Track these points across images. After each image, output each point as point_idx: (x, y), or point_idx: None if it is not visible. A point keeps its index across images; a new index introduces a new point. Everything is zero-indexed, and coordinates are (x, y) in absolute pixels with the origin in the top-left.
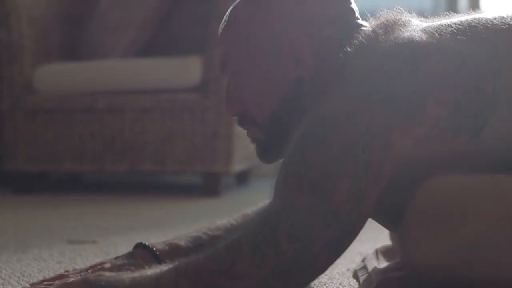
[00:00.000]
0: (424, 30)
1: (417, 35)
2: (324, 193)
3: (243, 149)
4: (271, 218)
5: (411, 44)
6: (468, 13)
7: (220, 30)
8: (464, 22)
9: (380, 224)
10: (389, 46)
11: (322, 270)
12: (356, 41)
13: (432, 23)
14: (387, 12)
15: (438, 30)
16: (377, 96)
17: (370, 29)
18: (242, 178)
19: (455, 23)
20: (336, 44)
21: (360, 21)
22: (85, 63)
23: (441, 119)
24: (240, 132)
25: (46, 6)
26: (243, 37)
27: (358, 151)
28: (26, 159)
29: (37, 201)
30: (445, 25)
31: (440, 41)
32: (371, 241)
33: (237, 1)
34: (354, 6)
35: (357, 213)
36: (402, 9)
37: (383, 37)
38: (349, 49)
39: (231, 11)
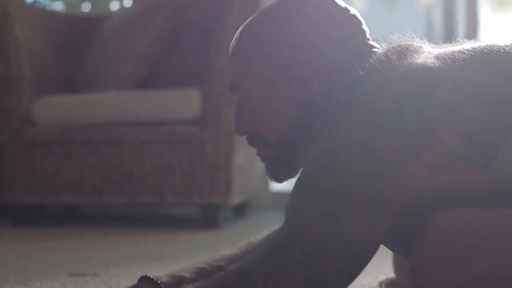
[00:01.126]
0: (437, 57)
1: (430, 61)
2: (337, 222)
3: (242, 182)
4: (283, 245)
5: (425, 71)
6: (479, 40)
7: (230, 49)
8: (477, 49)
9: (392, 250)
10: (402, 72)
11: None
12: (368, 65)
13: (444, 50)
14: (399, 37)
15: (451, 57)
16: (390, 123)
17: (382, 53)
18: (241, 211)
19: (467, 50)
20: (347, 65)
21: (371, 42)
22: (84, 95)
23: (454, 148)
24: (238, 164)
25: (45, 39)
26: (253, 57)
27: (372, 180)
28: (24, 191)
29: (36, 233)
30: (458, 52)
31: (453, 69)
32: (373, 273)
33: (247, 21)
34: (365, 27)
35: (369, 241)
36: (413, 34)
37: (396, 62)
38: (361, 72)
39: (241, 30)
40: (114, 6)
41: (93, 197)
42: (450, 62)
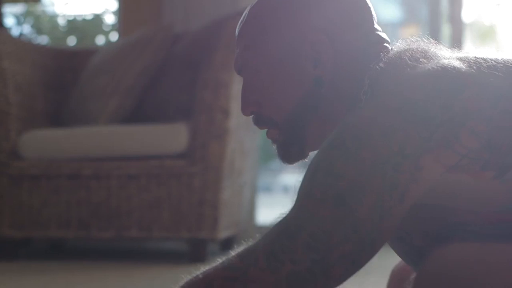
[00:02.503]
0: (462, 60)
1: (457, 63)
2: (348, 207)
3: (229, 216)
4: (290, 226)
5: (453, 71)
6: (500, 52)
7: (237, 29)
8: (500, 60)
9: (400, 257)
10: (431, 68)
11: (336, 283)
12: (390, 56)
13: (467, 55)
14: (417, 39)
15: (476, 62)
16: (414, 116)
17: (404, 49)
18: (228, 245)
19: (491, 59)
20: (358, 49)
21: (380, 32)
22: (71, 129)
23: (472, 150)
24: (226, 198)
25: (32, 73)
26: (261, 36)
27: (388, 170)
28: (11, 225)
29: (23, 268)
30: (481, 59)
31: (479, 73)
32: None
33: (256, 0)
34: (374, 14)
35: (378, 230)
36: (430, 38)
37: (423, 59)
38: (382, 60)
39: (250, 9)
40: (100, 40)
41: (80, 232)
42: (475, 67)
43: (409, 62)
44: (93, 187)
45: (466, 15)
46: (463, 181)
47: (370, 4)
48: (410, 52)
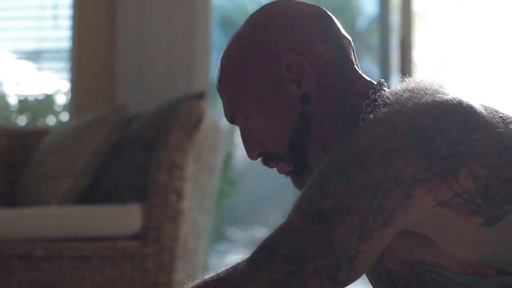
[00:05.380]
0: (477, 102)
1: (473, 102)
2: (327, 224)
3: None
4: (272, 239)
5: (469, 109)
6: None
7: (216, 82)
8: (509, 116)
9: (371, 282)
10: (449, 100)
11: None
12: (410, 81)
13: (477, 100)
14: (419, 78)
15: (489, 108)
16: (419, 145)
17: (419, 80)
18: None
19: (502, 112)
20: (331, 58)
21: (347, 39)
22: (23, 209)
23: (467, 191)
24: (180, 280)
25: None
26: (240, 79)
27: (378, 194)
28: None
29: None
30: (491, 108)
31: (492, 119)
32: None
33: (224, 49)
34: (337, 21)
35: (355, 249)
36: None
37: (427, 90)
38: (386, 85)
39: (221, 61)
40: (51, 121)
41: None
42: (489, 112)
43: (428, 90)
44: (45, 268)
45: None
46: (452, 218)
47: (327, 14)
48: (427, 83)
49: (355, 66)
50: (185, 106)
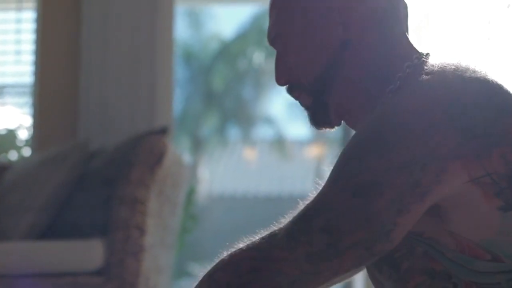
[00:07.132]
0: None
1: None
2: (367, 198)
3: None
4: (310, 210)
5: (507, 93)
6: None
7: (269, 2)
8: None
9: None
10: (491, 80)
11: (349, 266)
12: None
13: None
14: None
15: None
16: (459, 120)
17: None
18: None
19: None
20: (383, 14)
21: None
22: None
23: (497, 173)
24: None
25: None
26: (293, 4)
27: (416, 169)
28: None
29: None
30: None
31: None
32: None
33: None
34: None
35: (393, 223)
36: None
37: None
38: (428, 55)
39: None
40: (13, 156)
41: None
42: None
43: (470, 68)
44: None
45: None
46: (475, 196)
47: None
48: (469, 64)
49: (405, 32)
50: (147, 141)
